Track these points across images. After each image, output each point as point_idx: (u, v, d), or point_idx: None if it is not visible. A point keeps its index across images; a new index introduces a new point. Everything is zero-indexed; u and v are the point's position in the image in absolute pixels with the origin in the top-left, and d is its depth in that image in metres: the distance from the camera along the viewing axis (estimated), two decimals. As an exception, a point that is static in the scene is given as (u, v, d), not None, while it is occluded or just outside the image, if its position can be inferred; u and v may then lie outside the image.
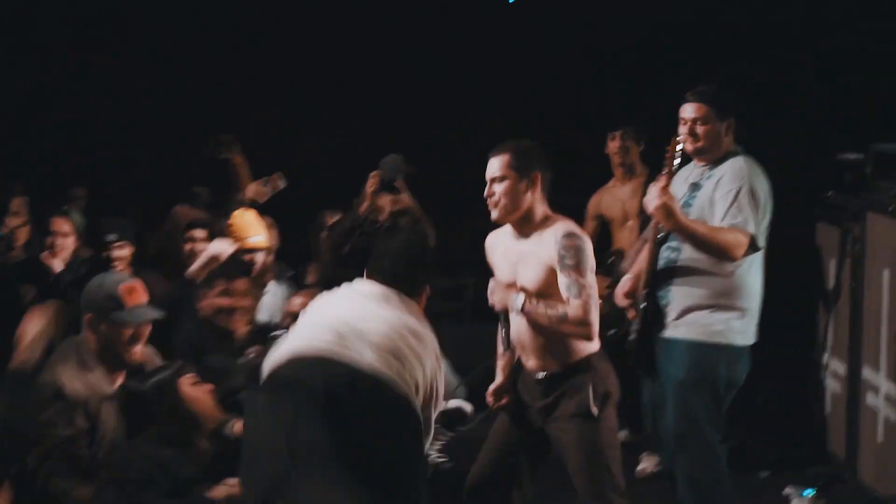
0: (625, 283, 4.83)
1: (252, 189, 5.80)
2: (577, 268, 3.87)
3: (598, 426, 4.05)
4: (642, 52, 8.75)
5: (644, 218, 5.53)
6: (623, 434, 6.60)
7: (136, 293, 4.10)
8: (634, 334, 4.82)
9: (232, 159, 5.97)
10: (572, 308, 3.84)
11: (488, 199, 4.13)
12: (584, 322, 3.88)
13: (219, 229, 5.66)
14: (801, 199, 6.30)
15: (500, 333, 4.26)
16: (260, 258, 5.61)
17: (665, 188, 4.35)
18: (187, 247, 5.62)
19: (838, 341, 6.16)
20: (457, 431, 5.40)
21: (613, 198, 6.29)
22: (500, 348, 4.32)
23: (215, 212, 6.24)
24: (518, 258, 4.06)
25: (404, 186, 6.19)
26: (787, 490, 5.77)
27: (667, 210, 4.30)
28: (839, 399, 6.16)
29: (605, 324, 6.01)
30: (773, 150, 5.19)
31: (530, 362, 4.18)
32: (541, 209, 4.11)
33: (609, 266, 6.01)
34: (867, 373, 5.70)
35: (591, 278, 3.90)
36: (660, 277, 4.66)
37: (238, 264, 5.17)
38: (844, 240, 6.03)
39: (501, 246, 4.19)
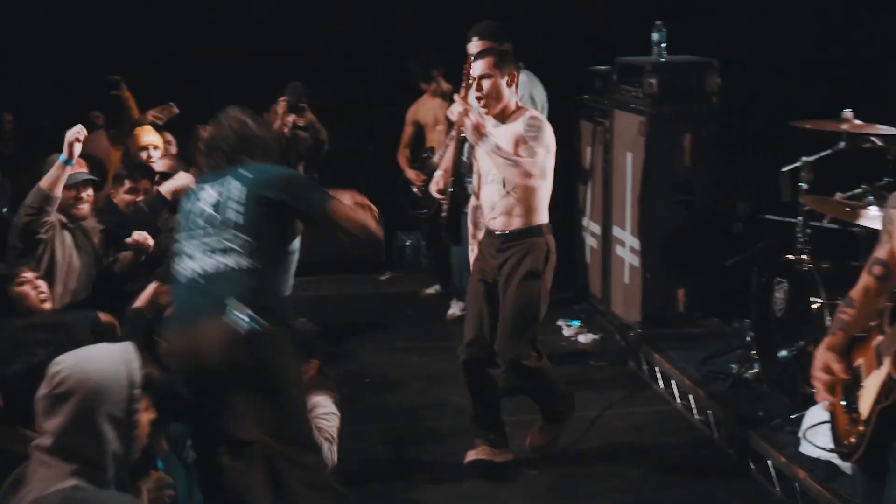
0: (438, 180, 5.87)
1: (151, 113, 6.71)
2: (536, 139, 4.81)
3: (540, 284, 5.01)
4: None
5: (450, 123, 6.87)
6: (436, 287, 8.08)
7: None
8: (445, 213, 6.19)
9: (122, 94, 6.79)
10: (525, 162, 4.76)
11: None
12: (528, 174, 4.77)
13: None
14: (566, 101, 7.36)
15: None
16: (155, 155, 6.46)
17: (464, 99, 5.29)
18: None
19: (594, 208, 7.45)
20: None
21: (427, 108, 7.44)
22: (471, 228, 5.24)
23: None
24: (498, 135, 4.86)
25: (306, 106, 7.23)
26: (560, 322, 7.22)
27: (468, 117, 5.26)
28: (596, 252, 7.48)
29: (419, 205, 7.43)
30: (545, 66, 6.37)
31: (496, 222, 4.99)
32: (514, 101, 4.94)
33: (423, 160, 7.36)
34: (616, 231, 7.02)
35: (542, 150, 4.82)
36: (463, 167, 5.94)
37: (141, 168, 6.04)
38: (597, 131, 7.29)
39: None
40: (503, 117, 4.94)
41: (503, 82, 4.89)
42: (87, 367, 2.71)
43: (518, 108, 5.00)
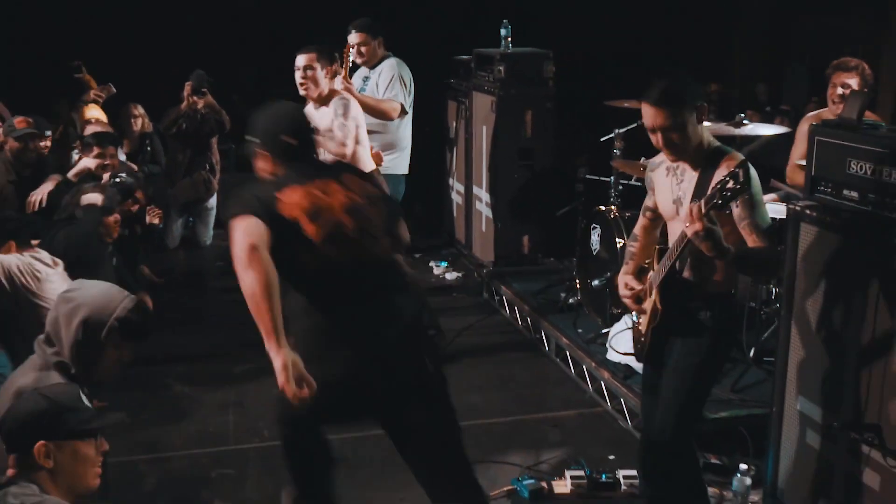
0: None
1: (93, 92, 7.85)
2: (342, 114, 5.77)
3: None
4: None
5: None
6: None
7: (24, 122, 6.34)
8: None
9: (83, 77, 7.89)
10: (338, 135, 5.71)
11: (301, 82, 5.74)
12: (342, 144, 5.69)
13: None
14: (436, 84, 8.55)
15: None
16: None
17: (345, 78, 6.45)
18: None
19: (459, 171, 8.59)
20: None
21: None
22: None
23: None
24: (318, 116, 5.76)
25: (207, 91, 8.27)
26: (431, 263, 8.35)
27: (348, 91, 6.33)
28: (461, 207, 8.62)
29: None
30: (419, 56, 7.44)
31: None
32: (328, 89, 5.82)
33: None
34: (475, 189, 8.13)
35: (351, 122, 5.71)
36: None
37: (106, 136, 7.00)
38: (460, 109, 8.41)
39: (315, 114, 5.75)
40: (322, 102, 5.91)
41: (322, 73, 5.86)
42: (90, 285, 3.44)
43: (332, 93, 5.99)
